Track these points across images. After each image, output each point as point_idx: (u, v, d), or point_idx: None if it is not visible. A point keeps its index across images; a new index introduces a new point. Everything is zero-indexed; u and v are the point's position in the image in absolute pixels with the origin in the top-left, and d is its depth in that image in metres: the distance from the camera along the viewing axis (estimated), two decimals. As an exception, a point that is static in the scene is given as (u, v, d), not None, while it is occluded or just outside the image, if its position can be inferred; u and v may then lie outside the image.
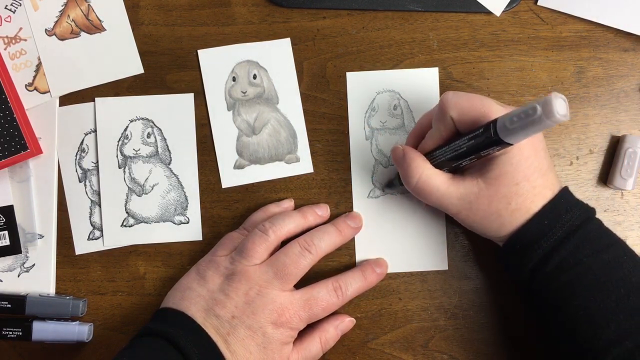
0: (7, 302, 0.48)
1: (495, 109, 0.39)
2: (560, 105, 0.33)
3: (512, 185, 0.40)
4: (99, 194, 0.50)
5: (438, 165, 0.42)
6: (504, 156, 0.40)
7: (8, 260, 0.49)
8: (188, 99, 0.50)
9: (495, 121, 0.37)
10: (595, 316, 0.38)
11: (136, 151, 0.50)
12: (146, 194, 0.50)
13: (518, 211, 0.40)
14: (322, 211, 0.48)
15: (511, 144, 0.37)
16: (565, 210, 0.40)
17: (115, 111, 0.50)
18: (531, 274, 0.41)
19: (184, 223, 0.50)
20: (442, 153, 0.42)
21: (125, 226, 0.50)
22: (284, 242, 0.45)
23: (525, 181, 0.40)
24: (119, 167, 0.50)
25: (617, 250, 0.40)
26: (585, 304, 0.38)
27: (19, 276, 0.49)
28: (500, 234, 0.42)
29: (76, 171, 0.50)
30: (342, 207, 0.49)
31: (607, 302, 0.38)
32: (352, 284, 0.45)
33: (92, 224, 0.50)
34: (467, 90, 0.49)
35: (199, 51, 0.50)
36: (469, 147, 0.39)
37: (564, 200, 0.41)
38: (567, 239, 0.39)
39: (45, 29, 0.51)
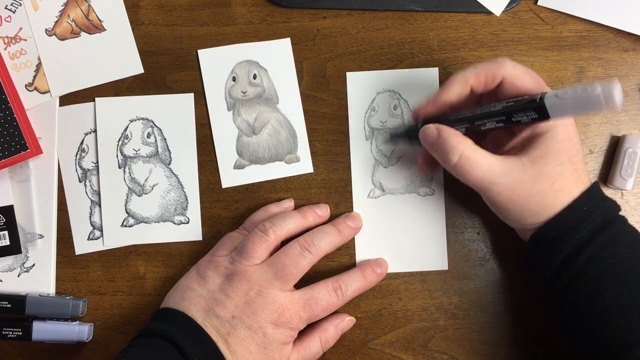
0: (7, 302, 0.48)
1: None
2: (619, 93, 0.33)
3: (557, 165, 0.39)
4: (99, 194, 0.50)
5: (456, 127, 0.42)
6: (549, 134, 0.39)
7: (8, 260, 0.49)
8: (188, 99, 0.50)
9: (545, 94, 0.37)
10: (622, 314, 0.37)
11: (136, 151, 0.50)
12: (146, 194, 0.50)
13: (561, 192, 0.39)
14: (322, 211, 0.48)
15: (549, 118, 0.36)
16: (601, 200, 0.40)
17: (115, 111, 0.50)
18: (562, 265, 0.39)
19: (184, 223, 0.50)
20: (467, 113, 0.41)
21: (125, 226, 0.50)
22: (284, 242, 0.45)
23: (569, 162, 0.39)
24: (119, 167, 0.50)
25: None
26: (614, 301, 0.37)
27: (19, 276, 0.49)
28: (538, 218, 0.40)
29: (76, 171, 0.50)
30: (342, 207, 0.49)
31: (637, 300, 0.37)
32: (352, 284, 0.45)
33: (92, 224, 0.50)
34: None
35: (199, 51, 0.50)
36: (506, 109, 0.38)
37: (598, 191, 0.41)
38: (602, 229, 0.39)
39: (45, 29, 0.51)
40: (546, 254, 0.41)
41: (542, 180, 0.39)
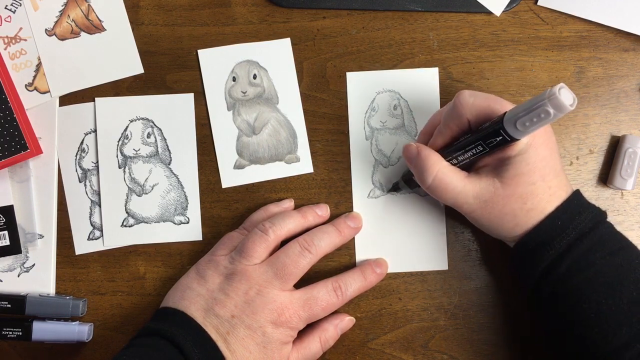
0: (7, 302, 0.48)
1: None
2: (566, 95, 0.33)
3: (529, 185, 0.40)
4: (99, 194, 0.50)
5: (448, 159, 0.42)
6: (520, 156, 0.39)
7: (8, 260, 0.49)
8: (188, 99, 0.50)
9: (504, 114, 0.37)
10: (607, 319, 0.38)
11: (136, 151, 0.50)
12: (146, 194, 0.50)
13: (533, 211, 0.40)
14: (322, 211, 0.48)
15: (515, 140, 0.37)
16: (578, 212, 0.40)
17: (115, 111, 0.50)
18: (542, 275, 0.40)
19: (184, 223, 0.50)
20: (452, 148, 0.42)
21: (125, 226, 0.50)
22: (284, 242, 0.45)
23: (542, 181, 0.40)
24: (119, 167, 0.50)
25: (629, 253, 0.40)
26: (597, 306, 0.38)
27: (19, 276, 0.49)
28: (513, 233, 0.42)
29: (76, 171, 0.50)
30: (342, 207, 0.49)
31: (619, 305, 0.38)
32: (352, 284, 0.45)
33: (92, 224, 0.50)
34: (467, 90, 0.49)
35: (199, 51, 0.50)
36: (477, 139, 0.39)
37: (576, 202, 0.41)
38: (579, 240, 0.39)
39: (45, 29, 0.51)
40: (527, 266, 0.41)
41: (513, 201, 0.40)
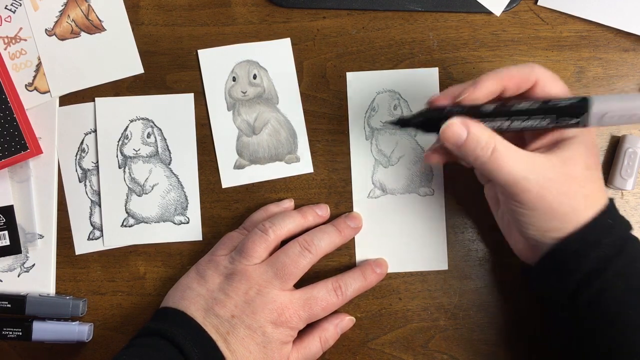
0: (7, 302, 0.48)
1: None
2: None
3: (585, 169, 0.37)
4: (99, 194, 0.50)
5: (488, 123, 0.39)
6: (577, 138, 0.38)
7: (8, 260, 0.49)
8: (188, 99, 0.50)
9: (586, 97, 0.36)
10: None
11: (136, 151, 0.50)
12: (146, 194, 0.50)
13: (589, 198, 0.37)
14: (322, 211, 0.48)
15: (585, 126, 0.36)
16: (619, 216, 0.39)
17: (115, 111, 0.50)
18: (583, 281, 0.37)
19: (184, 223, 0.50)
20: (513, 111, 0.38)
21: (125, 226, 0.50)
22: (284, 242, 0.45)
23: (595, 169, 0.38)
24: (119, 167, 0.50)
25: None
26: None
27: (19, 276, 0.49)
28: (563, 224, 0.37)
29: (76, 171, 0.50)
30: (342, 207, 0.49)
31: None
32: (352, 284, 0.45)
33: (92, 224, 0.50)
34: (467, 90, 0.49)
35: (199, 51, 0.50)
36: (553, 107, 0.37)
37: (614, 205, 0.40)
38: (627, 244, 0.37)
39: (45, 29, 0.51)
40: (564, 270, 0.38)
41: (572, 182, 0.37)
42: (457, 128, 0.37)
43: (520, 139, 0.42)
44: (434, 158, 0.43)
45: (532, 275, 0.41)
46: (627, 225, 0.39)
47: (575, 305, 0.38)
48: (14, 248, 0.49)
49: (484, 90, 0.38)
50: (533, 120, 0.37)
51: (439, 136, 0.38)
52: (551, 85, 0.39)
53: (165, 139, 0.50)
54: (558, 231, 0.38)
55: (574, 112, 0.36)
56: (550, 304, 0.40)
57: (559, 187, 0.37)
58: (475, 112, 0.38)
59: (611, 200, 0.39)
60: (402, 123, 0.41)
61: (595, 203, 0.38)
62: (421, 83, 0.49)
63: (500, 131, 0.38)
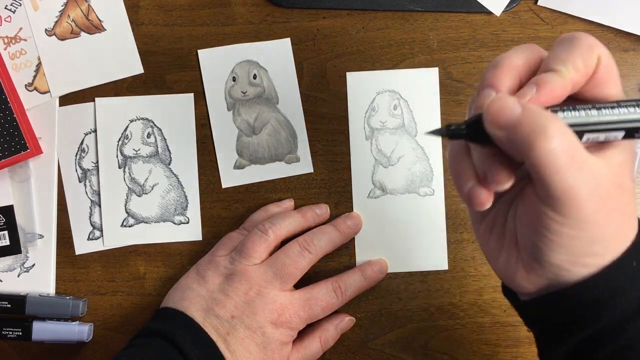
0: (7, 302, 0.48)
1: None
2: None
3: (630, 180, 0.29)
4: (99, 194, 0.50)
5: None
6: (624, 143, 0.28)
7: (8, 260, 0.49)
8: (188, 99, 0.50)
9: None
10: None
11: (136, 151, 0.50)
12: (146, 194, 0.50)
13: (634, 218, 0.29)
14: (322, 211, 0.48)
15: None
16: None
17: (115, 111, 0.50)
18: (598, 338, 0.28)
19: (184, 223, 0.50)
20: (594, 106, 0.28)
21: (125, 226, 0.50)
22: (284, 242, 0.45)
23: (633, 182, 0.29)
24: (119, 167, 0.50)
25: None
26: None
27: (19, 276, 0.49)
28: (606, 250, 0.28)
29: (76, 171, 0.50)
30: (342, 207, 0.49)
31: None
32: (351, 284, 0.45)
33: (92, 224, 0.50)
34: (468, 91, 0.49)
35: (199, 51, 0.50)
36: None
37: None
38: None
39: (45, 29, 0.51)
40: (576, 319, 0.29)
41: (625, 195, 0.28)
42: (508, 101, 0.26)
43: None
44: (483, 196, 0.29)
45: (525, 309, 0.33)
46: None
47: (589, 351, 0.29)
48: (14, 248, 0.49)
49: (551, 95, 0.27)
50: (625, 111, 0.27)
51: (483, 118, 0.27)
52: (612, 64, 0.29)
53: (165, 139, 0.50)
54: (596, 257, 0.28)
55: None
56: (544, 340, 0.33)
57: (612, 202, 0.27)
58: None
59: None
60: (452, 134, 0.29)
61: (632, 228, 0.29)
62: (421, 83, 0.49)
63: (580, 134, 0.28)
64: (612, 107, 0.27)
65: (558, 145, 0.25)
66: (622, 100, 0.28)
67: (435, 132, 0.30)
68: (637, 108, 0.27)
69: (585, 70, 0.28)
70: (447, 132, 0.29)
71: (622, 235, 0.28)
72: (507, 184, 0.28)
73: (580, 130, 0.27)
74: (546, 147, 0.25)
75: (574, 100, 0.29)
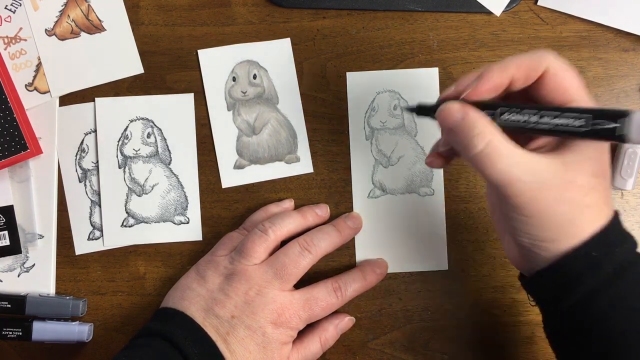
0: (7, 302, 0.48)
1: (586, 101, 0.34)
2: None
3: (592, 176, 0.33)
4: (99, 194, 0.50)
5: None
6: (586, 143, 0.33)
7: (8, 260, 0.49)
8: (188, 99, 0.50)
9: (628, 112, 0.30)
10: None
11: (136, 151, 0.50)
12: (146, 194, 0.50)
13: (591, 209, 0.33)
14: (322, 211, 0.48)
15: (624, 140, 0.30)
16: (625, 233, 0.35)
17: (115, 111, 0.50)
18: (580, 302, 0.34)
19: (184, 223, 0.50)
20: (529, 108, 0.34)
21: (125, 226, 0.50)
22: (284, 242, 0.45)
23: (603, 177, 0.34)
24: (119, 167, 0.50)
25: None
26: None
27: (19, 276, 0.49)
28: (558, 237, 0.33)
29: (76, 171, 0.50)
30: (342, 207, 0.49)
31: None
32: (351, 285, 0.45)
33: (92, 224, 0.50)
34: (467, 90, 0.49)
35: (199, 51, 0.50)
36: (578, 109, 0.32)
37: (620, 220, 0.35)
38: (630, 268, 0.33)
39: (45, 29, 0.51)
40: (560, 290, 0.34)
41: (573, 189, 0.33)
42: (455, 109, 0.34)
43: (523, 136, 0.37)
44: (435, 162, 0.40)
45: (527, 288, 0.38)
46: (632, 244, 0.34)
47: (568, 323, 0.35)
48: (14, 248, 0.49)
49: (490, 83, 0.34)
50: (565, 119, 0.32)
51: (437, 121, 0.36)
52: (563, 74, 0.34)
53: (165, 139, 0.50)
54: (552, 242, 0.34)
55: (612, 115, 0.31)
56: (546, 314, 0.38)
57: (556, 194, 0.33)
58: (500, 104, 0.35)
59: (616, 214, 0.35)
60: (419, 110, 0.39)
61: (598, 216, 0.34)
62: (421, 83, 0.49)
63: (523, 131, 0.34)
64: (545, 115, 0.33)
65: (484, 150, 0.33)
66: (565, 108, 0.33)
67: (409, 109, 0.40)
68: (564, 118, 0.32)
69: (527, 71, 0.34)
70: (416, 109, 0.39)
71: (578, 226, 0.33)
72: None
73: (519, 127, 0.33)
74: (474, 151, 0.33)
75: (531, 101, 0.35)
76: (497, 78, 0.34)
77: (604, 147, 0.34)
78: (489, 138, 0.33)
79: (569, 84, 0.34)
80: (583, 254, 0.33)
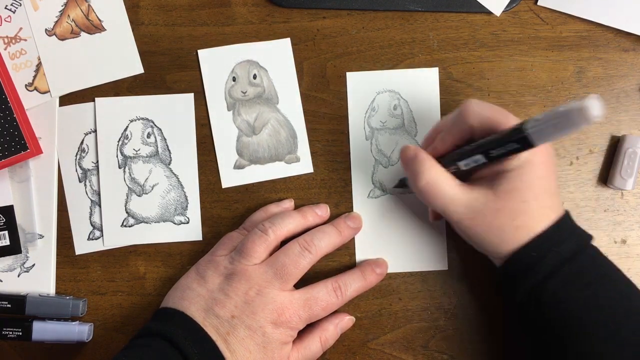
0: (7, 302, 0.48)
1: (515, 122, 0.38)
2: (596, 106, 0.32)
3: (520, 202, 0.39)
4: (99, 194, 0.50)
5: (446, 167, 0.42)
6: (516, 171, 0.39)
7: (8, 260, 0.49)
8: (188, 99, 0.50)
9: (524, 121, 0.36)
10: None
11: (136, 151, 0.50)
12: (146, 194, 0.50)
13: (521, 229, 0.39)
14: (322, 211, 0.48)
15: (532, 146, 0.35)
16: (568, 234, 0.40)
17: (115, 111, 0.50)
18: (527, 297, 0.40)
19: (184, 223, 0.50)
20: (453, 155, 0.41)
21: (125, 226, 0.50)
22: (284, 242, 0.45)
23: (534, 200, 0.39)
24: (119, 167, 0.50)
25: (607, 283, 0.40)
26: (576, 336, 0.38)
27: (19, 276, 0.49)
28: (498, 250, 0.41)
29: (76, 171, 0.50)
30: (342, 207, 0.49)
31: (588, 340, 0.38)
32: (351, 284, 0.45)
33: (92, 224, 0.50)
34: (468, 91, 0.49)
35: (199, 51, 0.50)
36: (488, 142, 0.38)
37: (565, 226, 0.40)
38: (566, 263, 0.39)
39: (45, 29, 0.51)
40: (511, 287, 0.41)
41: (502, 215, 0.39)
42: (409, 151, 0.42)
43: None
44: (435, 217, 0.48)
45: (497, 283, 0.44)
46: (575, 241, 0.40)
47: (524, 317, 0.41)
48: (14, 248, 0.49)
49: (438, 151, 0.43)
50: (472, 160, 0.39)
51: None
52: (488, 114, 0.39)
53: (165, 139, 0.50)
54: (492, 254, 0.42)
55: (509, 138, 0.36)
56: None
57: (489, 221, 0.40)
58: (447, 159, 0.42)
59: (562, 219, 0.40)
60: (401, 184, 0.48)
61: (527, 232, 0.39)
62: (421, 83, 0.49)
63: (458, 171, 0.41)
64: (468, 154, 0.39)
65: (425, 186, 0.41)
66: (467, 149, 0.40)
67: (396, 186, 0.49)
68: (469, 158, 0.39)
69: (460, 134, 0.41)
70: (399, 184, 0.48)
71: (508, 243, 0.40)
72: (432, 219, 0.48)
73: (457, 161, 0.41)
74: (418, 185, 0.41)
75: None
76: (441, 148, 0.42)
77: (531, 176, 0.39)
78: (429, 177, 0.41)
79: (499, 125, 0.39)
80: (516, 261, 0.40)
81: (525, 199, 0.39)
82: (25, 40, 0.50)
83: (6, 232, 0.49)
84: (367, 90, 0.50)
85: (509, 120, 0.39)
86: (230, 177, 0.50)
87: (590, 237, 0.41)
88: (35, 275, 0.49)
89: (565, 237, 0.40)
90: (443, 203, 0.41)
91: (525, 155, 0.38)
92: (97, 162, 0.50)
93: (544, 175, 0.40)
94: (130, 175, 0.50)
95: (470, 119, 0.40)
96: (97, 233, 0.50)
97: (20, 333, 0.47)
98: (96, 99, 0.50)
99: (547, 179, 0.40)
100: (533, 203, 0.39)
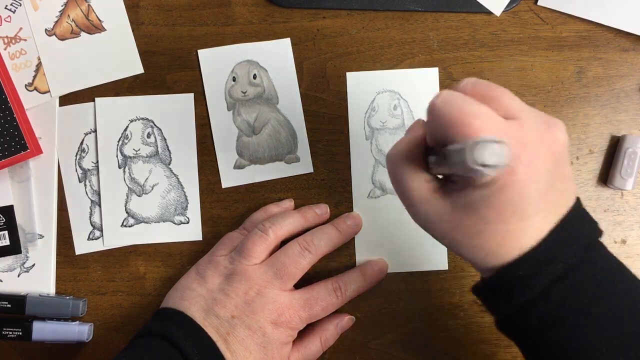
0: (7, 302, 0.48)
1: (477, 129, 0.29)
2: (488, 153, 0.24)
3: (479, 221, 0.32)
4: (99, 194, 0.50)
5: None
6: (486, 185, 0.31)
7: (8, 260, 0.49)
8: (188, 99, 0.50)
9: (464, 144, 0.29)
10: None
11: (136, 151, 0.50)
12: (146, 194, 0.50)
13: (480, 249, 0.33)
14: (322, 211, 0.48)
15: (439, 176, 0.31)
16: (564, 245, 0.32)
17: (115, 111, 0.50)
18: (519, 317, 0.33)
19: (184, 223, 0.50)
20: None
21: (125, 226, 0.50)
22: (284, 242, 0.45)
23: (498, 223, 0.31)
24: (119, 167, 0.50)
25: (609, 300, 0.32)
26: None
27: (19, 276, 0.49)
28: (477, 261, 0.34)
29: (76, 171, 0.50)
30: (342, 207, 0.49)
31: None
32: (352, 284, 0.45)
33: (92, 224, 0.50)
34: (467, 90, 0.49)
35: (199, 51, 0.50)
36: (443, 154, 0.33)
37: (568, 230, 0.32)
38: (549, 291, 0.32)
39: (45, 29, 0.51)
40: (498, 303, 0.35)
41: (460, 230, 0.33)
42: (401, 142, 0.36)
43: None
44: None
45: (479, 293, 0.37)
46: (570, 256, 0.32)
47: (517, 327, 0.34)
48: (14, 248, 0.49)
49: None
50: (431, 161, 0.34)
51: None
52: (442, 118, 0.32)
53: (165, 139, 0.50)
54: (476, 266, 0.35)
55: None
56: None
57: (462, 229, 0.33)
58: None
59: (554, 230, 0.32)
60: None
61: (494, 258, 0.33)
62: (421, 83, 0.49)
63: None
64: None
65: (414, 190, 0.35)
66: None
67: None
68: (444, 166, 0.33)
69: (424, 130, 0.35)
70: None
71: (488, 255, 0.33)
72: None
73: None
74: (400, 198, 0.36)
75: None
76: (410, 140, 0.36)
77: (505, 198, 0.31)
78: (414, 181, 0.35)
79: (448, 120, 0.32)
80: (497, 280, 0.33)
81: (486, 219, 0.31)
82: (25, 40, 0.50)
83: (6, 232, 0.49)
84: (367, 90, 0.50)
85: (469, 131, 0.30)
86: (230, 177, 0.50)
87: (596, 235, 0.34)
88: (35, 275, 0.49)
89: (556, 254, 0.32)
90: (417, 212, 0.35)
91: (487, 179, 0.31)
92: (97, 162, 0.50)
93: (519, 199, 0.31)
94: (130, 175, 0.50)
95: (433, 119, 0.32)
96: (97, 233, 0.50)
97: (20, 333, 0.47)
98: (96, 99, 0.50)
99: (523, 201, 0.31)
100: (496, 226, 0.31)
